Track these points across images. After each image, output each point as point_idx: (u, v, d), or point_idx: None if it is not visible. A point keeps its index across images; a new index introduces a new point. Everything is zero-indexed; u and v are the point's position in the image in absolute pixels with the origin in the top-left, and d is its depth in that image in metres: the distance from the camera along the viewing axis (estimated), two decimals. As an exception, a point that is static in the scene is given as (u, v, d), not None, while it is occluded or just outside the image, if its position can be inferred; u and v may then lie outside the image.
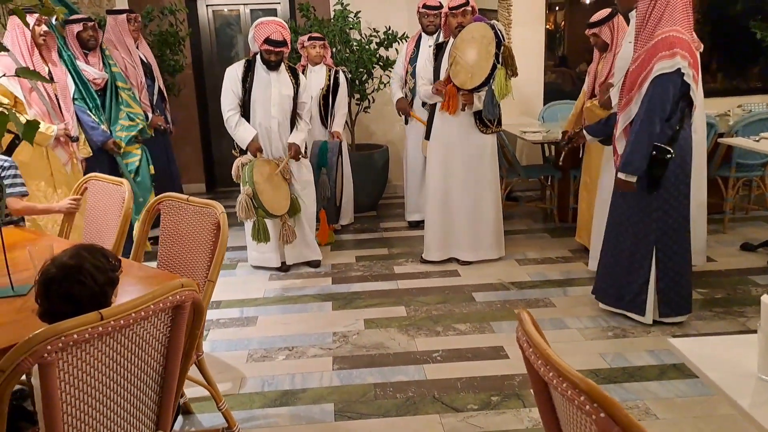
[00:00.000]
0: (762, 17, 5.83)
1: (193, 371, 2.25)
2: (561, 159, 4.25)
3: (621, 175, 2.92)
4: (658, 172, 2.85)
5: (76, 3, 4.68)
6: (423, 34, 4.63)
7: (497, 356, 2.92)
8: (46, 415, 1.27)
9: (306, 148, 4.07)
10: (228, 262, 4.31)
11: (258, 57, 3.79)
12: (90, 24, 4.00)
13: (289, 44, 3.77)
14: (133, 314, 1.33)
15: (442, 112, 3.94)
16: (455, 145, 3.95)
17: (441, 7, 4.41)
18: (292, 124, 3.92)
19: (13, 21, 3.48)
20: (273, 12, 6.09)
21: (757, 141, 3.92)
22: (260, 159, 3.78)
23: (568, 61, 6.97)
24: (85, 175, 3.14)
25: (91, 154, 3.87)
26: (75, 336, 1.23)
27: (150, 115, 4.30)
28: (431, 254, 4.14)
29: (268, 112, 3.81)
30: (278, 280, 3.96)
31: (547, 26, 7.48)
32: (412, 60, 4.62)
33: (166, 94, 4.57)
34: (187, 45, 5.51)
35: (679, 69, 2.73)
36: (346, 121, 5.11)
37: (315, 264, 4.15)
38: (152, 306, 1.38)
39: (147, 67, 4.39)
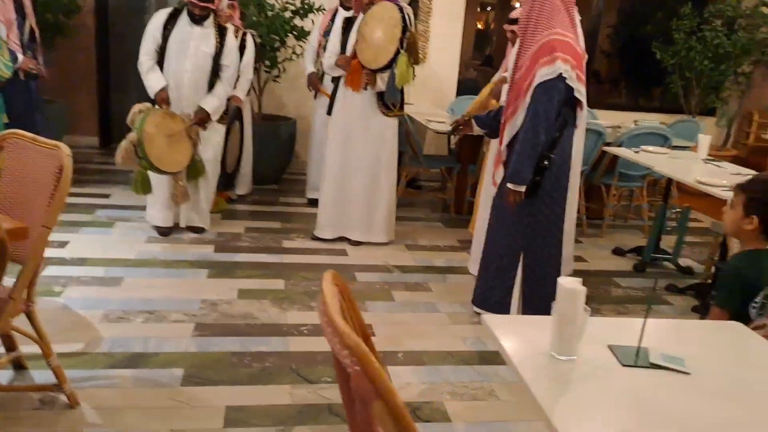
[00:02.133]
0: (663, 39, 6.15)
1: (23, 323, 2.10)
2: (455, 143, 4.27)
3: (510, 186, 2.82)
4: (533, 178, 2.80)
5: None
6: (340, 8, 4.55)
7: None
8: None
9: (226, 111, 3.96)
10: (105, 219, 4.08)
11: (186, 7, 3.66)
12: None
13: (219, 2, 3.63)
14: None
15: (346, 89, 3.89)
16: (356, 123, 3.92)
17: (360, -17, 4.34)
18: (211, 84, 3.77)
19: None
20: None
21: (637, 152, 4.12)
22: (163, 110, 3.61)
23: (493, 61, 7.11)
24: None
25: None
26: None
27: (20, 56, 3.89)
28: (323, 232, 4.10)
29: (181, 66, 3.67)
30: (156, 243, 3.79)
31: (479, 25, 7.60)
32: (327, 33, 4.52)
33: (38, 34, 4.14)
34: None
35: (560, 74, 2.69)
36: (253, 88, 4.96)
37: (198, 230, 4.00)
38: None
39: (17, 3, 3.96)
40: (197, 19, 3.64)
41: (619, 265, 4.19)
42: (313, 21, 4.89)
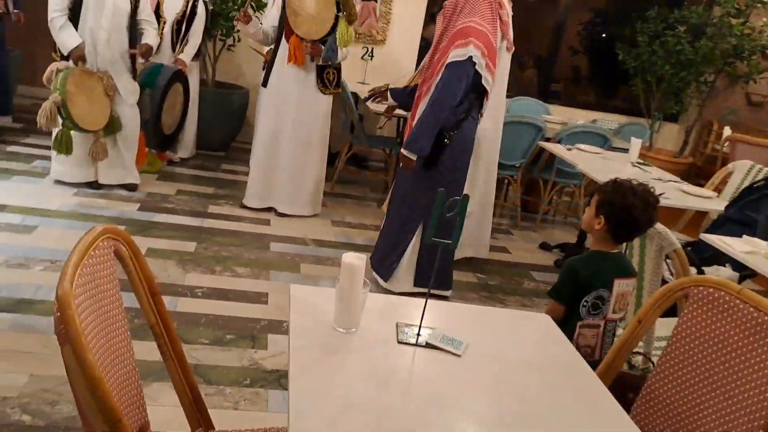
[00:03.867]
0: (629, 41, 6.18)
1: None
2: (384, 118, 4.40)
3: (404, 151, 2.99)
4: (433, 153, 2.97)
5: None
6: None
7: (258, 301, 3.02)
8: None
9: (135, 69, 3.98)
10: (41, 170, 4.16)
11: None
12: None
13: None
14: None
15: (283, 62, 3.94)
16: (291, 97, 3.98)
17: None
18: (131, 40, 3.83)
19: None
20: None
21: (570, 150, 4.19)
22: (80, 68, 3.66)
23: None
24: None
25: None
26: None
27: None
28: (251, 201, 4.19)
29: (98, 23, 3.69)
30: (82, 197, 3.87)
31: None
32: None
33: None
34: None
35: (470, 57, 2.83)
36: (207, 56, 5.01)
37: (131, 187, 4.09)
38: None
39: None
40: None
41: (540, 260, 4.28)
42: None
